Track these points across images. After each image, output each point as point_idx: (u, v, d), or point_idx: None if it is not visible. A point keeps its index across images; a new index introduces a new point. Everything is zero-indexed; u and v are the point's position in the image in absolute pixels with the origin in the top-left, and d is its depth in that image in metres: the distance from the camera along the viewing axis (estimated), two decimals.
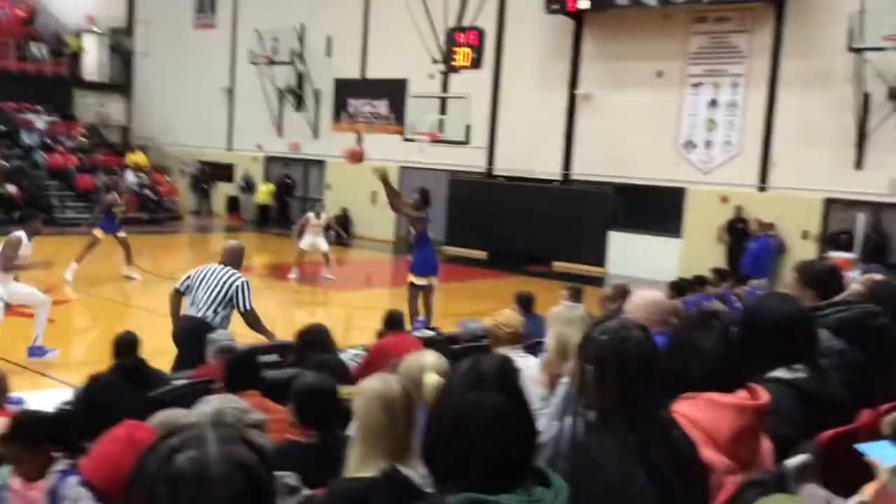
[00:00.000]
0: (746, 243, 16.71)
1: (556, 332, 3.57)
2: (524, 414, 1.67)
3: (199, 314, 7.10)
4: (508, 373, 1.70)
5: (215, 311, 7.14)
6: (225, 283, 7.21)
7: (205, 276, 7.26)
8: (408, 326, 8.49)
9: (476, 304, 13.95)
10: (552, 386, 3.62)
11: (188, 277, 7.35)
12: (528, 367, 4.44)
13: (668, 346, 2.54)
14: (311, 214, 16.16)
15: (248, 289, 7.33)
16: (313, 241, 15.70)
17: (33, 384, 7.62)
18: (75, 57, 28.49)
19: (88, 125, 27.32)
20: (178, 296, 7.38)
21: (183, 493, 1.23)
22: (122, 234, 15.30)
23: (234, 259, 7.61)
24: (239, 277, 7.34)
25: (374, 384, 2.71)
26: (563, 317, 3.69)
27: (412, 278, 10.79)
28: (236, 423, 2.13)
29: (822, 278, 4.03)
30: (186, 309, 7.31)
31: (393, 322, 6.82)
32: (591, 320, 3.49)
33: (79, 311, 12.40)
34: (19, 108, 25.79)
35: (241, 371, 4.43)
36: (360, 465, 2.57)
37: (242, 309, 7.24)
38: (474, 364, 1.70)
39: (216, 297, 7.13)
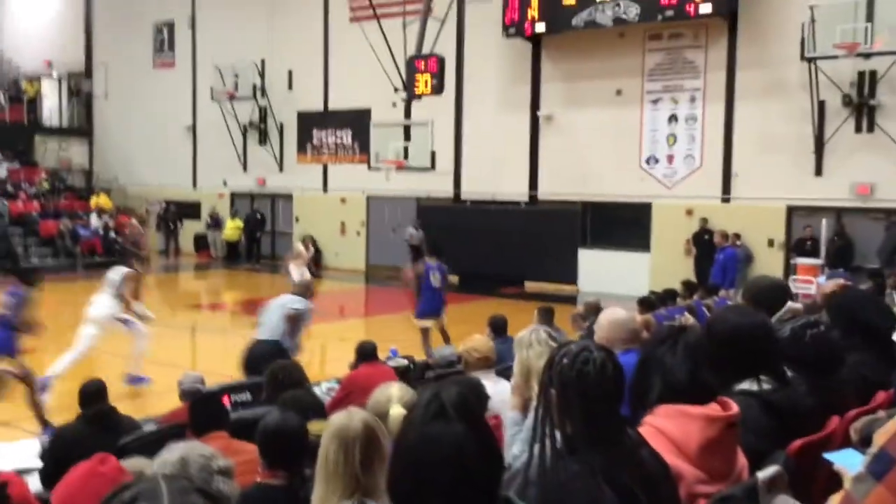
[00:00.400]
0: (714, 255, 16.87)
1: (519, 358, 3.57)
2: (487, 445, 1.65)
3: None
4: (470, 403, 1.68)
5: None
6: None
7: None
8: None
9: (449, 329, 13.92)
10: (524, 409, 3.61)
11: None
12: (500, 391, 4.44)
13: (636, 364, 2.54)
14: (299, 246, 16.17)
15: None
16: (302, 273, 15.63)
17: (1, 437, 7.44)
18: (34, 102, 28.27)
19: (50, 170, 27.06)
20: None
21: None
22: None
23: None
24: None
25: (334, 420, 2.67)
26: (525, 341, 3.69)
27: (415, 322, 11.76)
28: (202, 471, 2.08)
29: (767, 295, 4.07)
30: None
31: (365, 353, 6.77)
32: (554, 342, 3.50)
33: (46, 359, 12.17)
34: None
35: (206, 413, 4.37)
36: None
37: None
38: (434, 395, 1.68)
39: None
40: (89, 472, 3.21)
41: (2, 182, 24.58)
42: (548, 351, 3.46)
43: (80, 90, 29.43)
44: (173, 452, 2.09)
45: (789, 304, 4.47)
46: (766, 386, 2.82)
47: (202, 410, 4.41)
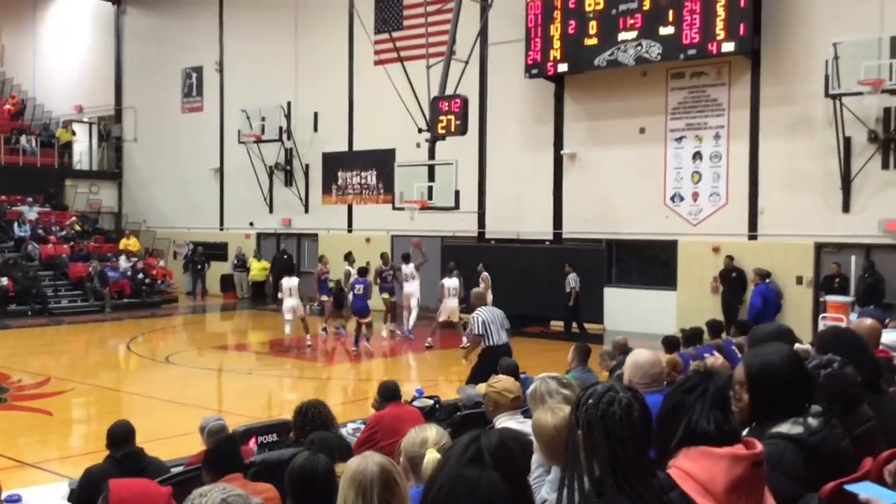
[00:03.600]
0: (743, 293, 16.74)
1: (534, 416, 3.55)
2: (522, 493, 1.64)
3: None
4: (509, 452, 1.68)
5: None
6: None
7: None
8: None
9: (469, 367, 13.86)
10: None
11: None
12: (528, 431, 4.41)
13: (661, 407, 2.52)
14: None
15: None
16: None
17: (30, 479, 7.49)
18: (65, 147, 28.83)
19: (80, 213, 27.50)
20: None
21: None
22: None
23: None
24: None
25: (350, 464, 2.66)
26: (537, 396, 3.66)
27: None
28: None
29: (774, 340, 4.01)
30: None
31: (387, 394, 6.74)
32: (565, 389, 3.48)
33: (76, 401, 12.28)
34: (10, 200, 25.97)
35: (223, 455, 4.38)
36: None
37: None
38: (474, 439, 1.68)
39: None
40: (153, 489, 3.24)
41: (33, 225, 24.99)
42: (554, 406, 3.46)
43: (109, 134, 29.99)
44: (213, 494, 2.10)
45: (797, 345, 4.44)
46: (800, 429, 2.78)
47: (218, 453, 4.42)
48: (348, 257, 18.55)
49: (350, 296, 16.67)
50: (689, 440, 2.33)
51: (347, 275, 17.77)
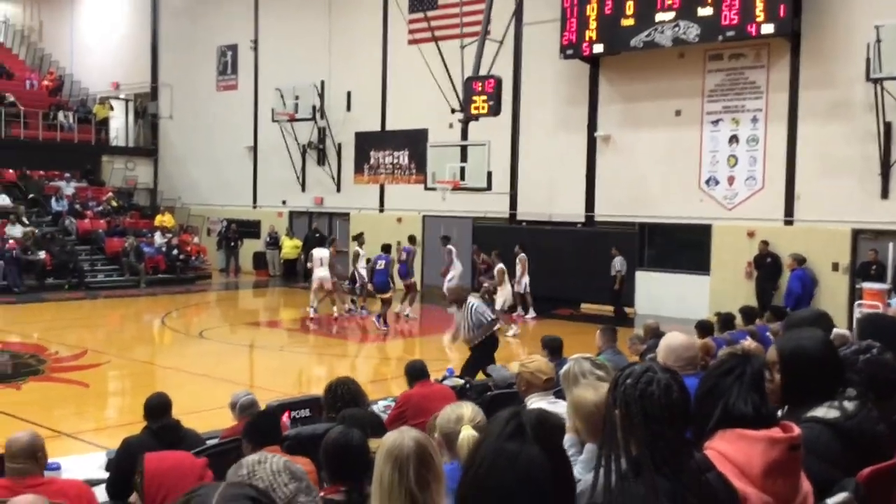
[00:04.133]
0: (778, 279, 16.58)
1: (568, 397, 3.55)
2: (562, 468, 1.66)
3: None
4: (549, 426, 1.69)
5: None
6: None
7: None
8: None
9: (502, 350, 13.90)
10: (579, 431, 3.60)
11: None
12: (560, 411, 4.42)
13: (697, 389, 2.51)
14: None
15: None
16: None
17: (67, 449, 7.65)
18: (102, 123, 29.16)
19: (116, 189, 27.85)
20: None
21: None
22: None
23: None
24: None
25: (386, 439, 2.69)
26: (570, 376, 3.67)
27: None
28: (295, 476, 2.16)
29: (811, 325, 3.96)
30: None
31: (415, 374, 6.78)
32: (599, 370, 3.48)
33: (112, 374, 12.50)
34: (48, 175, 26.36)
35: (262, 428, 4.46)
36: None
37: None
38: (514, 414, 1.69)
39: None
40: (188, 461, 3.32)
41: (70, 200, 25.35)
42: (590, 383, 3.46)
43: (146, 111, 30.28)
44: (274, 459, 2.17)
45: (836, 330, 4.39)
46: (836, 413, 2.77)
47: (259, 426, 4.49)
48: (358, 238, 18.47)
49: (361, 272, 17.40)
50: (726, 422, 2.32)
51: (356, 256, 17.80)
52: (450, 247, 18.72)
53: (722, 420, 2.33)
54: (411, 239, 18.70)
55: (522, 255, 17.73)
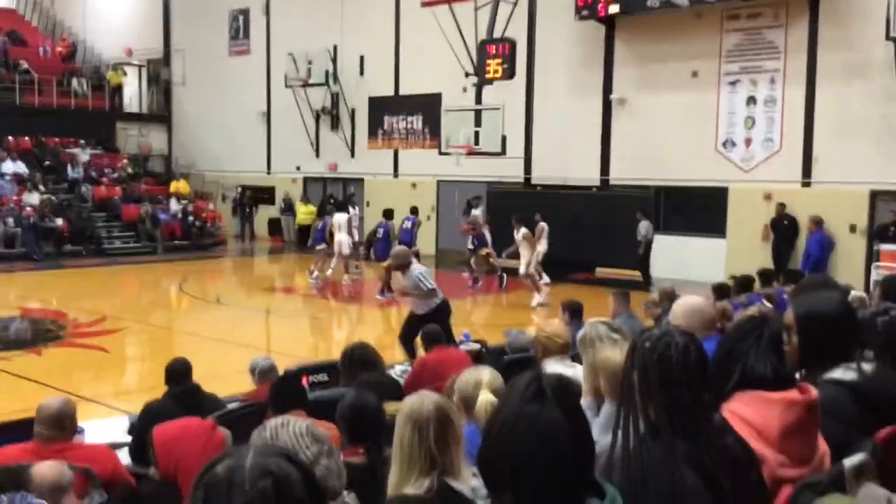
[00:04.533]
0: (795, 241, 16.51)
1: (584, 359, 3.56)
2: (581, 430, 1.68)
3: None
4: (568, 389, 1.71)
5: None
6: None
7: None
8: None
9: (519, 313, 13.96)
10: (596, 395, 3.62)
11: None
12: (576, 375, 4.45)
13: (715, 352, 2.53)
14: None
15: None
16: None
17: (90, 413, 7.77)
18: (116, 90, 29.15)
19: (131, 156, 27.92)
20: None
21: (213, 495, 1.37)
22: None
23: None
24: None
25: (406, 402, 2.72)
26: (587, 340, 3.68)
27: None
28: (317, 439, 2.21)
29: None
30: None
31: (431, 339, 6.83)
32: (616, 333, 3.48)
33: (131, 339, 12.64)
34: (63, 143, 26.44)
35: (287, 392, 4.51)
36: (397, 484, 2.59)
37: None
38: (534, 377, 1.72)
39: None
40: (194, 424, 3.40)
41: (86, 167, 25.45)
42: (610, 346, 3.47)
43: (159, 77, 30.23)
44: (297, 423, 2.22)
45: (853, 292, 4.37)
46: (853, 375, 2.77)
47: (283, 390, 4.54)
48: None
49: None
50: (745, 384, 2.34)
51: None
52: (475, 211, 18.65)
53: (740, 382, 2.34)
54: (413, 210, 18.65)
55: (542, 223, 17.70)
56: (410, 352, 9.06)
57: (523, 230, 16.11)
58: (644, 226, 17.58)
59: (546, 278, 17.88)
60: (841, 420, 2.62)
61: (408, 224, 18.07)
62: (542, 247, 17.59)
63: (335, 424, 3.52)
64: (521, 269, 15.59)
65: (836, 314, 2.91)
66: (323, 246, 17.61)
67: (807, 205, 16.48)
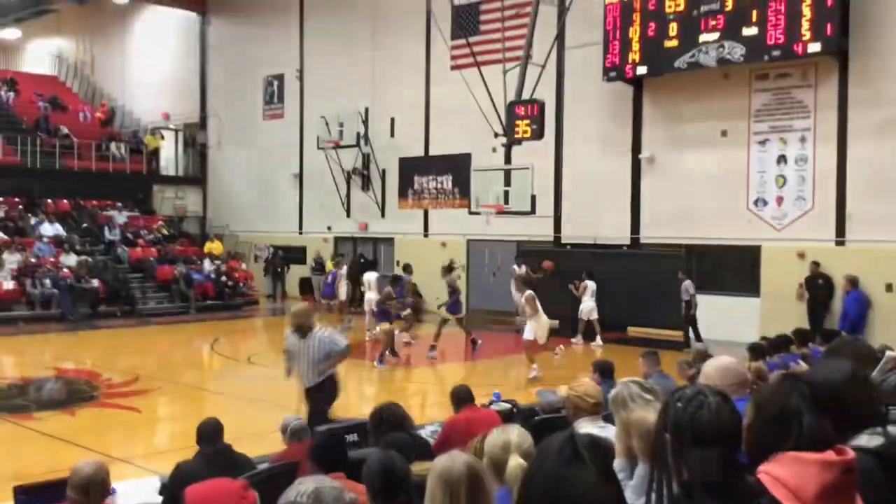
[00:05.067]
0: (830, 300, 16.29)
1: (617, 418, 3.54)
2: (615, 492, 1.67)
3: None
4: (603, 450, 1.71)
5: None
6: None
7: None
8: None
9: (550, 373, 13.82)
10: (629, 455, 3.58)
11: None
12: (609, 436, 4.40)
13: (749, 412, 2.50)
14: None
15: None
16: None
17: (122, 474, 7.78)
18: (153, 153, 29.84)
19: (167, 217, 28.42)
20: None
21: None
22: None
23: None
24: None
25: (437, 463, 2.71)
26: (619, 400, 3.66)
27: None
28: (336, 502, 2.18)
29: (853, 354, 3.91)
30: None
31: (460, 398, 6.79)
32: (648, 394, 3.46)
33: (163, 399, 12.70)
34: (101, 205, 27.00)
35: (330, 453, 4.48)
36: None
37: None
38: (568, 438, 1.71)
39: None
40: (225, 485, 3.40)
41: (122, 229, 25.92)
42: (643, 406, 3.44)
43: (195, 140, 30.92)
44: (307, 483, 2.19)
45: (888, 353, 4.30)
46: (879, 440, 2.72)
47: (326, 450, 4.51)
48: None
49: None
50: (807, 444, 2.29)
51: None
52: (515, 267, 18.63)
53: (801, 441, 2.30)
54: (406, 268, 18.84)
55: (588, 281, 17.70)
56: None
57: (528, 292, 14.38)
58: (688, 284, 17.39)
59: (598, 340, 17.60)
60: (867, 487, 2.56)
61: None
62: (584, 304, 17.46)
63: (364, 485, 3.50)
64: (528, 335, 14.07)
65: (842, 386, 2.87)
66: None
67: (841, 263, 16.29)
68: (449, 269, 18.15)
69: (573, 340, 17.83)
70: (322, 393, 8.21)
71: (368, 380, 14.59)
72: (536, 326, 13.88)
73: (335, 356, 8.33)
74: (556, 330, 17.39)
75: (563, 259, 19.70)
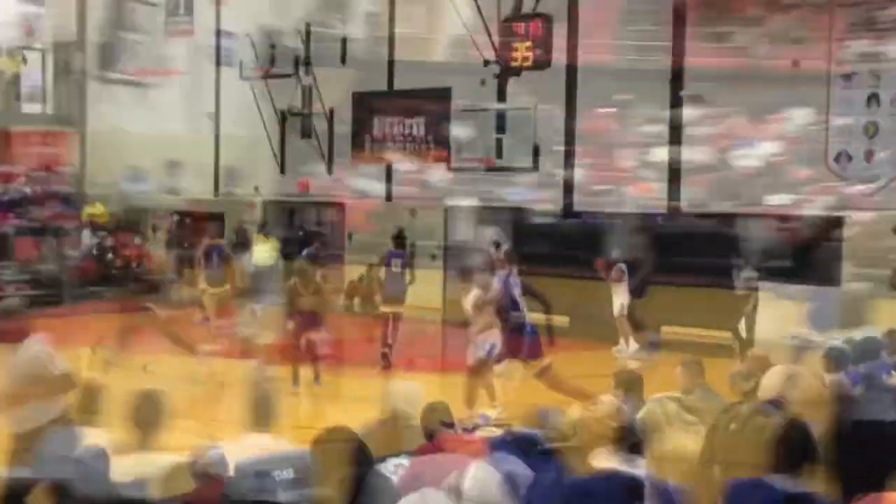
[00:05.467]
0: None
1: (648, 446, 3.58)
2: None
3: None
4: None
5: None
6: None
7: None
8: None
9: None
10: None
11: None
12: (639, 475, 4.43)
13: (829, 434, 2.54)
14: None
15: None
16: None
17: None
18: (11, 82, 29.44)
19: (30, 171, 28.11)
20: None
21: None
22: None
23: None
24: None
25: None
26: (654, 424, 3.70)
27: None
28: None
29: None
30: None
31: (433, 423, 6.80)
32: (687, 413, 3.50)
33: None
34: None
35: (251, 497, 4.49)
36: None
37: None
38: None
39: None
40: None
41: None
42: (682, 430, 3.48)
43: (69, 66, 30.51)
44: None
45: None
46: None
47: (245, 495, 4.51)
48: None
49: None
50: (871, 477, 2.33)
51: None
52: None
53: (873, 475, 2.35)
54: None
55: (620, 265, 17.63)
56: None
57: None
58: (746, 271, 17.42)
59: (632, 344, 17.55)
60: None
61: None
62: (619, 296, 17.34)
63: None
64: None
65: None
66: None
67: None
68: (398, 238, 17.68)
69: (618, 350, 17.74)
70: None
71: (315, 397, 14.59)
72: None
73: None
74: (566, 330, 17.49)
75: (575, 233, 19.74)
